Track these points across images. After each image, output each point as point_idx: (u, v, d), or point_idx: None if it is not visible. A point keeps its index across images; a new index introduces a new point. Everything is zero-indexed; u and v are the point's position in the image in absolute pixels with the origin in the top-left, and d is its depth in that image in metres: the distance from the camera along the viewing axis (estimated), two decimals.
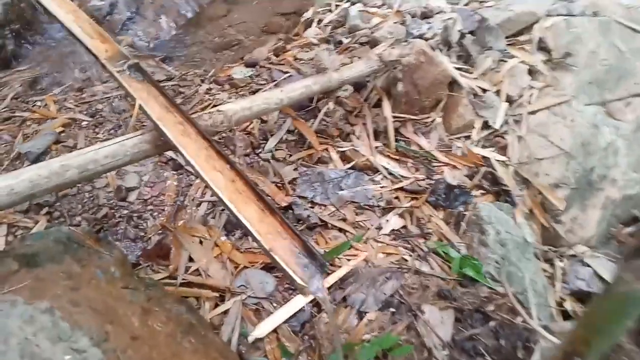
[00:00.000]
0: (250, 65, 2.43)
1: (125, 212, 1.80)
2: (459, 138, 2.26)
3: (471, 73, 2.37)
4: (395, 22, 2.48)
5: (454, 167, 2.15)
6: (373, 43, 2.38)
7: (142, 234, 1.77)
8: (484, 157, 2.18)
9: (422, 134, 2.24)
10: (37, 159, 1.91)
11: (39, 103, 2.31)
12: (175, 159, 1.95)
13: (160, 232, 1.77)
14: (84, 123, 2.13)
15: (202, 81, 2.41)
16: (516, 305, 1.48)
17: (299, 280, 1.03)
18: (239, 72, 2.40)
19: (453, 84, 2.29)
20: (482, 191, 2.06)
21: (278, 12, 3.33)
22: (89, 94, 2.37)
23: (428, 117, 2.27)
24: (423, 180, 2.09)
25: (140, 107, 1.36)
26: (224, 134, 2.00)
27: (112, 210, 1.80)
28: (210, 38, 3.10)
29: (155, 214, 1.82)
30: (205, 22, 3.24)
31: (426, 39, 2.31)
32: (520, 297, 1.57)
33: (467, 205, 1.93)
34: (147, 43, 2.96)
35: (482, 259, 1.69)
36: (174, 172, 1.93)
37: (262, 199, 1.21)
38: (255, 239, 1.10)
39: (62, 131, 2.08)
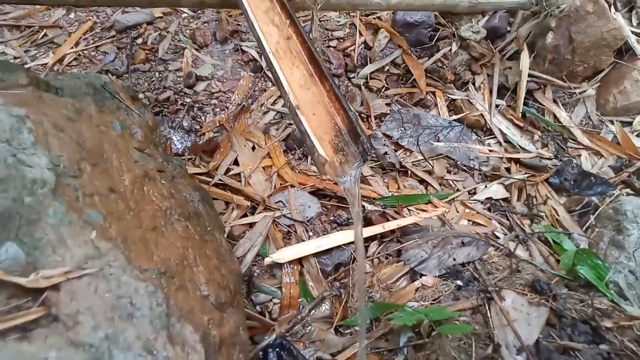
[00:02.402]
0: None
1: (188, 100, 1.61)
2: (612, 121, 1.70)
3: None
4: None
5: (597, 153, 1.61)
6: None
7: (198, 127, 1.57)
8: None
9: (564, 105, 1.73)
10: (124, 30, 1.80)
11: None
12: (256, 61, 1.71)
13: (216, 129, 1.55)
14: (184, 15, 1.99)
15: None
16: None
17: (320, 151, 0.69)
18: None
19: (624, 52, 1.73)
20: (629, 190, 1.49)
21: None
22: None
23: (577, 87, 1.74)
24: (549, 159, 1.60)
25: None
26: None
27: (176, 96, 1.62)
28: None
29: (217, 110, 1.60)
30: None
31: None
32: None
33: (604, 198, 1.40)
34: None
35: (610, 262, 1.18)
36: (252, 74, 1.69)
37: (315, 63, 0.89)
38: (283, 94, 0.79)
39: (160, 17, 1.95)
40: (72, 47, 1.74)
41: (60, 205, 0.74)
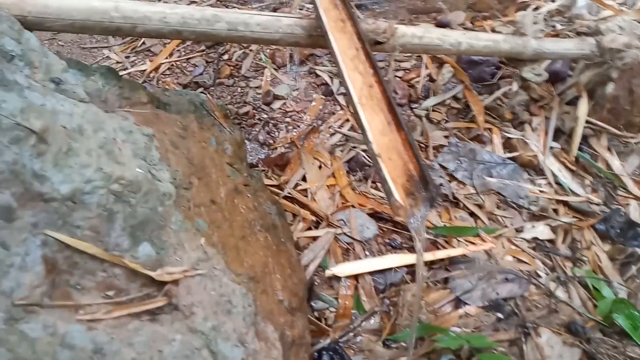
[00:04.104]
0: (441, 25, 2.22)
1: (265, 116, 1.79)
2: None
3: None
4: (632, 20, 2.01)
5: None
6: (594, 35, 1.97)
7: (271, 141, 1.74)
8: None
9: (618, 154, 1.79)
10: (213, 45, 2.00)
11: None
12: (328, 85, 1.87)
13: (287, 145, 1.72)
14: None
15: None
16: None
17: (397, 196, 0.83)
18: None
19: None
20: None
21: None
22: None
23: (633, 137, 1.80)
24: (597, 205, 1.67)
25: None
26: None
27: (254, 111, 1.80)
28: (411, 0, 2.96)
29: (290, 127, 1.77)
30: None
31: None
32: None
33: None
34: None
35: None
36: (323, 97, 1.85)
37: (393, 112, 1.03)
38: (366, 141, 0.93)
39: None
40: (167, 57, 1.96)
41: (179, 214, 0.92)
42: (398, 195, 0.83)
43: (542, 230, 1.53)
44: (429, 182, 0.89)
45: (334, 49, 1.15)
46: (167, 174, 0.96)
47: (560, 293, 1.34)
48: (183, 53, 1.99)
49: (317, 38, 1.28)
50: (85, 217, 0.75)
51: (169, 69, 1.93)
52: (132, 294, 0.80)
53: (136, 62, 1.97)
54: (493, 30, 2.16)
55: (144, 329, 0.74)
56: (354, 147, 1.69)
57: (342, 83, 1.09)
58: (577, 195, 1.69)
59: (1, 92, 0.72)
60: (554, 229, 1.56)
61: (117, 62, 1.97)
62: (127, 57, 1.99)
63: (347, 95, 1.06)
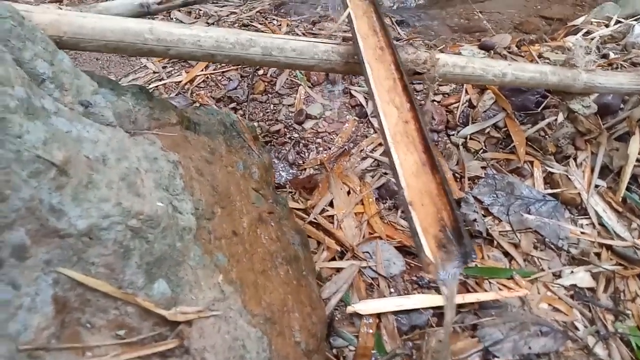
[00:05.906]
0: (485, 48, 2.14)
1: (296, 135, 1.75)
2: None
3: None
4: None
5: None
6: None
7: (301, 162, 1.70)
8: None
9: None
10: None
11: (275, 22, 2.43)
12: (363, 107, 1.82)
13: (317, 167, 1.67)
14: None
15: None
16: None
17: (427, 252, 0.77)
18: (469, 52, 2.14)
19: None
20: None
21: (541, 15, 2.92)
22: (317, 28, 2.40)
23: None
24: None
25: (349, 19, 1.24)
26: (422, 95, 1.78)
27: (286, 129, 1.77)
28: (455, 18, 2.88)
29: (321, 149, 1.72)
30: (457, 1, 3.02)
31: None
32: None
33: None
34: (391, 3, 2.90)
35: None
36: (356, 119, 1.80)
37: (429, 152, 0.97)
38: (398, 185, 0.88)
39: None
40: (202, 70, 1.95)
41: (199, 249, 0.89)
42: (429, 250, 0.78)
43: (582, 277, 1.43)
44: (463, 236, 0.83)
45: (369, 79, 1.11)
46: (190, 204, 0.94)
47: (599, 350, 1.24)
48: (219, 66, 1.98)
49: (353, 65, 1.23)
50: (100, 253, 0.72)
51: (203, 81, 1.93)
52: (143, 334, 0.77)
53: (172, 72, 1.98)
54: (540, 56, 2.06)
55: None
56: (385, 174, 1.64)
57: (376, 117, 1.04)
58: (622, 239, 1.57)
59: (26, 122, 0.71)
60: (595, 276, 1.45)
61: (154, 72, 1.98)
62: (163, 68, 2.00)
63: (380, 130, 1.00)
